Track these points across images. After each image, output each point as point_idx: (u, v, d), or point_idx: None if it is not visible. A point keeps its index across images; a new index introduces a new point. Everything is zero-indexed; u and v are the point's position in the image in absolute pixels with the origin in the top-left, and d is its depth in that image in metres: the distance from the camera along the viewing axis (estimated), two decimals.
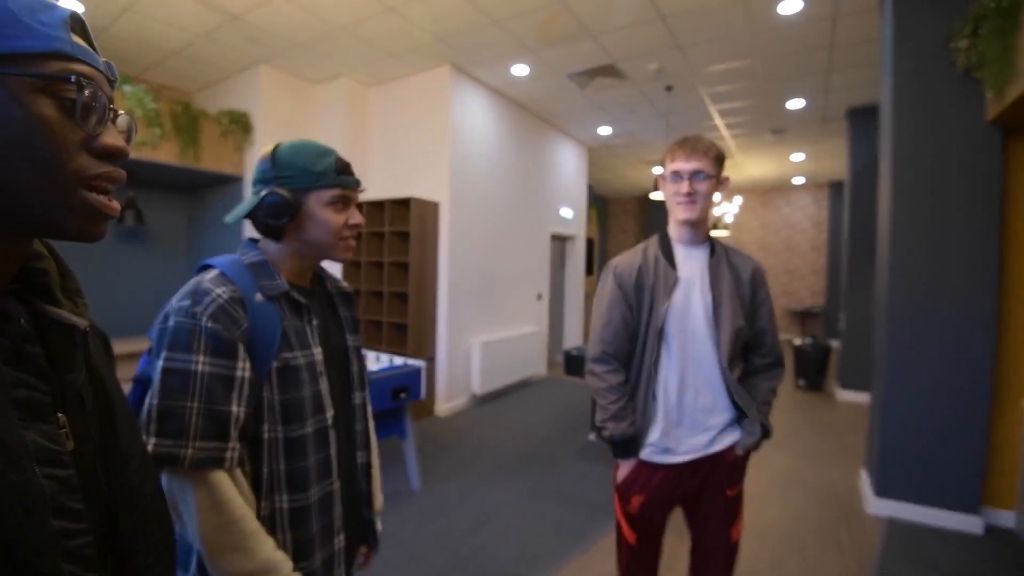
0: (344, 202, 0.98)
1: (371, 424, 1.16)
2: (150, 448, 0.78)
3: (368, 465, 1.12)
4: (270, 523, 0.89)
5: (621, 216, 12.40)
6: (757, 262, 1.56)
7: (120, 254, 5.12)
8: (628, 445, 1.48)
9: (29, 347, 0.45)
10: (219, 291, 0.86)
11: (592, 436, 4.29)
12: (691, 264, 1.50)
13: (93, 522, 0.47)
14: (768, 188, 10.80)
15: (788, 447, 4.23)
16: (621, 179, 10.16)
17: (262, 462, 0.89)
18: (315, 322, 1.00)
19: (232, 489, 0.82)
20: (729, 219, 9.06)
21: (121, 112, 0.50)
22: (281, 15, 4.04)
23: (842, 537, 2.82)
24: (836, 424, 4.93)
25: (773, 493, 3.36)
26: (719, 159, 1.45)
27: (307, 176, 0.94)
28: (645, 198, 11.73)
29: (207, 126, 4.78)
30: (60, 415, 0.47)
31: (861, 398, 5.55)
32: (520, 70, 4.99)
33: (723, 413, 1.47)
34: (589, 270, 9.51)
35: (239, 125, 4.96)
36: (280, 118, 5.19)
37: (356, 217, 0.99)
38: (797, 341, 6.44)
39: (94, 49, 0.48)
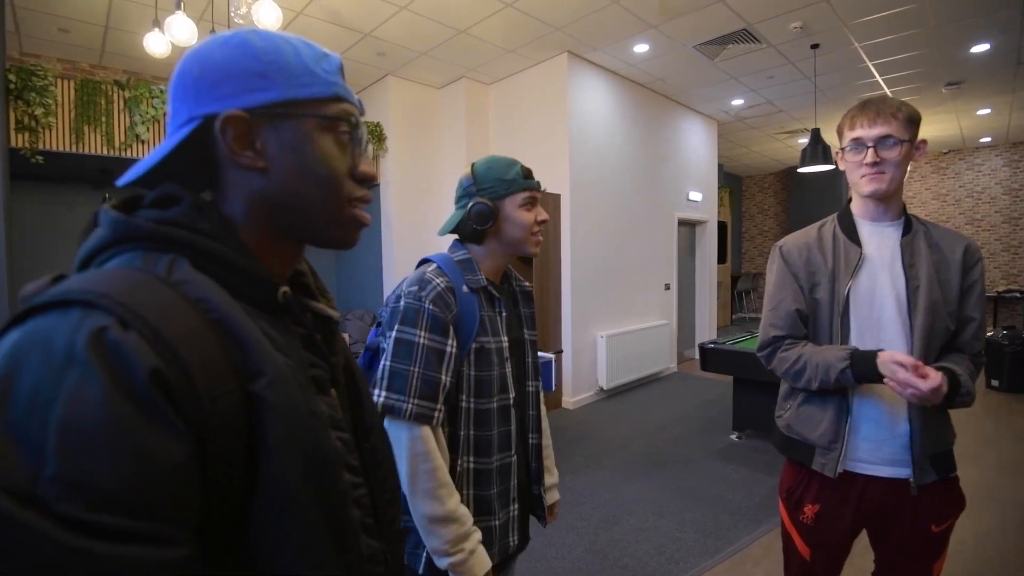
0: (532, 202, 1.13)
1: (543, 410, 1.29)
2: (380, 400, 0.98)
3: (539, 446, 1.24)
4: (458, 479, 1.06)
5: (758, 195, 11.39)
6: (970, 240, 1.29)
7: None
8: (864, 360, 1.17)
9: (315, 334, 0.55)
10: (438, 281, 1.06)
11: (735, 436, 3.98)
12: (879, 241, 1.29)
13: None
14: (943, 151, 9.20)
15: (979, 458, 3.57)
16: (757, 154, 9.32)
17: (458, 426, 1.07)
18: (504, 314, 1.15)
19: (434, 443, 0.99)
20: None
21: (368, 142, 0.58)
22: (406, 27, 4.26)
23: None
24: None
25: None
26: (911, 120, 1.22)
27: (502, 184, 1.11)
28: (788, 173, 10.63)
29: None
30: (333, 390, 0.56)
31: None
32: (641, 48, 4.75)
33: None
34: (722, 257, 8.88)
35: (374, 135, 5.34)
36: (408, 125, 5.51)
37: (542, 214, 1.14)
38: (989, 332, 5.40)
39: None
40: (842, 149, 1.30)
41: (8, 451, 0.32)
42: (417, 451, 0.97)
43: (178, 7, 2.55)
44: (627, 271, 5.64)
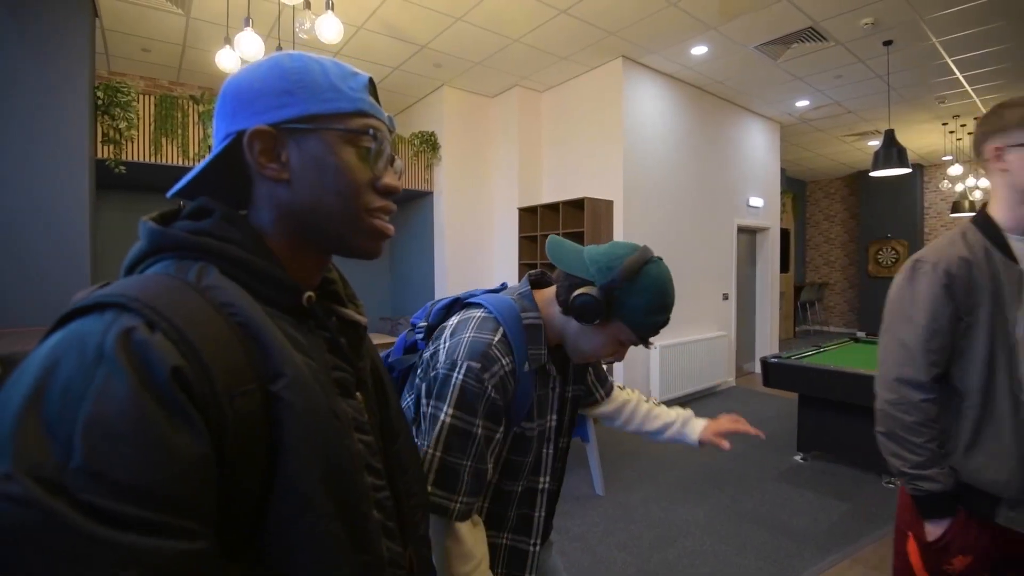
0: (631, 345, 0.96)
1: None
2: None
3: (558, 492, 1.12)
4: None
5: (823, 201, 10.83)
6: None
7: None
8: (949, 499, 1.12)
9: (340, 339, 0.57)
10: (504, 361, 0.90)
11: (799, 457, 3.75)
12: None
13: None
14: None
15: None
16: (824, 157, 8.86)
17: (487, 500, 0.98)
18: (558, 390, 1.01)
19: (471, 538, 0.88)
20: (978, 195, 7.32)
21: (397, 157, 0.60)
22: (462, 38, 4.31)
23: None
24: None
25: None
26: None
27: (635, 317, 0.91)
28: (857, 177, 10.06)
29: (402, 148, 5.34)
30: (358, 393, 0.57)
31: None
32: (699, 50, 4.62)
33: None
34: (785, 266, 8.48)
35: (428, 144, 5.44)
36: (461, 134, 5.58)
37: (622, 355, 0.98)
38: None
39: (379, 104, 0.58)
40: (999, 149, 1.11)
41: (42, 443, 0.34)
42: (460, 553, 0.86)
43: (247, 24, 2.68)
44: (683, 280, 5.46)
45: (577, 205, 4.83)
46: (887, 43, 4.42)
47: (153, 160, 4.16)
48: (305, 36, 2.84)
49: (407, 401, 1.00)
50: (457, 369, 0.88)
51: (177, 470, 0.36)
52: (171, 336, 0.39)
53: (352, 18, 3.95)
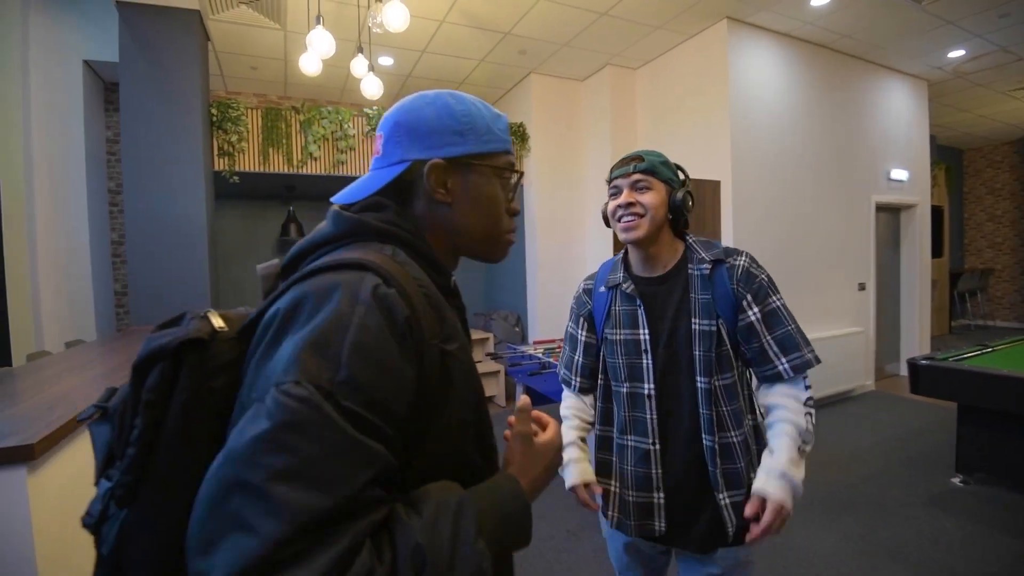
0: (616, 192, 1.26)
1: (728, 409, 1.15)
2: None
3: (715, 450, 1.14)
4: (594, 442, 1.33)
5: (986, 171, 9.13)
6: None
7: None
8: None
9: (464, 314, 0.73)
10: (583, 284, 1.37)
11: (958, 480, 3.09)
12: None
13: None
14: None
15: None
16: (985, 119, 7.43)
17: (600, 399, 1.31)
18: (642, 307, 1.21)
19: (570, 400, 1.35)
20: None
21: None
22: (545, 18, 4.11)
23: None
24: None
25: None
26: None
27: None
28: None
29: None
30: None
31: None
32: (820, 0, 3.98)
33: None
34: (938, 250, 7.21)
35: (517, 136, 5.30)
36: (550, 122, 5.38)
37: (622, 199, 1.21)
38: None
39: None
40: None
41: (318, 361, 0.45)
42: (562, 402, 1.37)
43: (318, 23, 2.70)
44: (808, 268, 4.80)
45: None
46: None
47: (262, 169, 4.44)
48: (379, 30, 2.81)
49: None
50: None
51: (403, 394, 0.49)
52: (401, 293, 0.53)
53: (433, 12, 3.91)
